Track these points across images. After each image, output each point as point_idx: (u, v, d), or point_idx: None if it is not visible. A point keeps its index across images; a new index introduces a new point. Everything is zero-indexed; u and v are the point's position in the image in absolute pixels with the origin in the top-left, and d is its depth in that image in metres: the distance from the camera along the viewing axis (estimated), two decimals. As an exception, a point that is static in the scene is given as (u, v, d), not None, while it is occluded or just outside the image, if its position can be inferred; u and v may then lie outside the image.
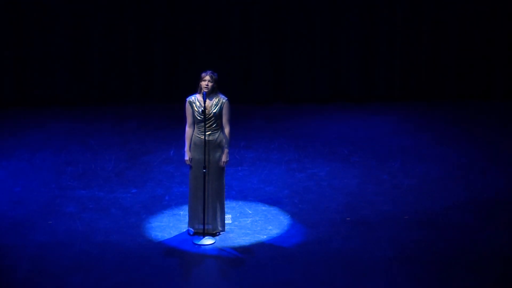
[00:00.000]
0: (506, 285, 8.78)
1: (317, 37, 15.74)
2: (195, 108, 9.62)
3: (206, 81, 9.54)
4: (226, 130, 9.70)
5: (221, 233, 9.88)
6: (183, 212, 10.48)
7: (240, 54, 15.75)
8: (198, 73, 9.66)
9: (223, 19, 15.64)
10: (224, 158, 9.71)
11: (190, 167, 9.75)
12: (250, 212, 10.61)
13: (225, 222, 10.02)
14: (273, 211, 10.66)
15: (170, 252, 9.49)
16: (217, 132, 9.68)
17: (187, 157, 9.73)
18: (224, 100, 9.66)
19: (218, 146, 9.69)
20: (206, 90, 9.52)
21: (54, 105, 15.42)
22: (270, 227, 10.14)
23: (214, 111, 9.60)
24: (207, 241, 9.64)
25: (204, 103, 9.49)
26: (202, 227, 9.69)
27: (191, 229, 9.83)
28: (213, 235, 9.78)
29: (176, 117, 13.93)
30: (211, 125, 9.63)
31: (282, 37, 15.74)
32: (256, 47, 15.72)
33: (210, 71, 9.61)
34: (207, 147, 9.60)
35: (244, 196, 11.16)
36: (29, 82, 15.47)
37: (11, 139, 13.62)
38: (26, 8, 15.25)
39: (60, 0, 15.32)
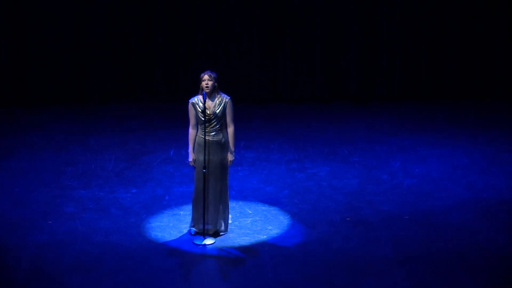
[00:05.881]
0: (506, 285, 8.78)
1: (317, 37, 15.74)
2: (198, 109, 9.57)
3: (206, 81, 9.49)
4: (230, 129, 9.61)
5: (222, 234, 9.86)
6: (183, 212, 10.47)
7: (240, 53, 15.75)
8: (199, 73, 9.63)
9: (223, 19, 15.65)
10: (229, 157, 9.69)
11: (195, 168, 9.72)
12: (250, 212, 10.60)
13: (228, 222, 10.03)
14: (273, 211, 10.66)
15: (170, 252, 9.48)
16: (221, 132, 9.63)
17: (191, 159, 9.69)
18: (227, 100, 9.60)
19: (222, 146, 9.65)
20: (207, 90, 9.48)
21: (54, 105, 15.41)
22: (270, 227, 10.13)
23: (217, 111, 9.55)
24: (208, 241, 9.63)
25: (204, 103, 9.46)
26: (203, 227, 9.68)
27: (193, 228, 9.81)
28: (214, 235, 9.76)
29: (177, 117, 13.94)
30: (215, 125, 9.57)
31: (282, 37, 15.74)
32: (256, 47, 15.72)
33: (208, 71, 9.56)
34: (208, 147, 9.57)
35: (244, 196, 11.15)
36: (29, 82, 15.47)
37: (11, 139, 13.62)
38: (26, 7, 15.25)
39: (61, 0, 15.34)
